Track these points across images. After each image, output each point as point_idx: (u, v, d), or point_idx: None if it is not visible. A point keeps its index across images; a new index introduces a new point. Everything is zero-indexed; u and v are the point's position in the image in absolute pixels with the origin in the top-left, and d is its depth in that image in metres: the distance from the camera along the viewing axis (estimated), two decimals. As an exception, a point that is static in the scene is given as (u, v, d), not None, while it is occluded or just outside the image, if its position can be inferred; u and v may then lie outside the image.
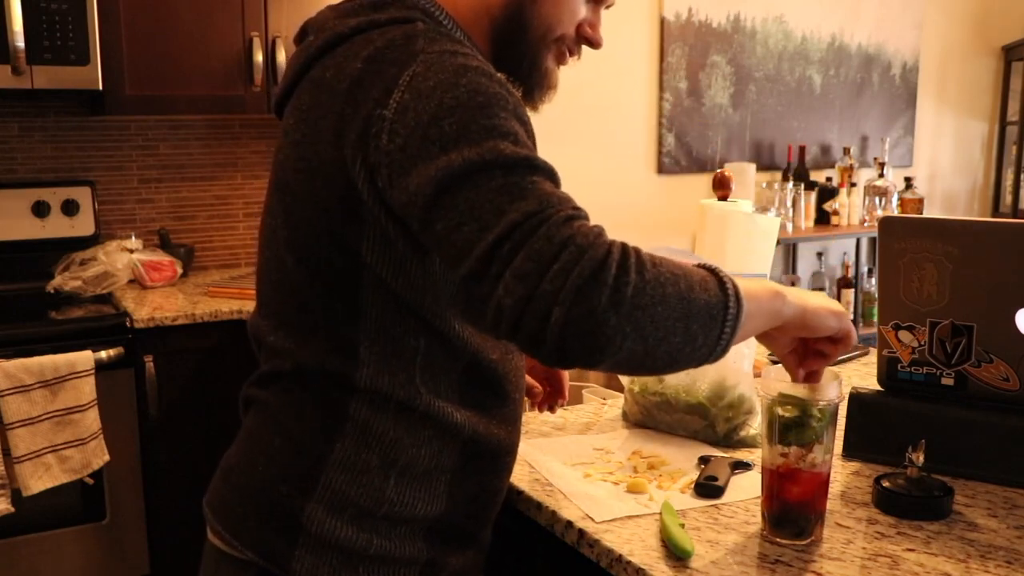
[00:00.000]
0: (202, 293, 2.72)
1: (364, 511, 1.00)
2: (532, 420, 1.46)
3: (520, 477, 1.23)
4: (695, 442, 1.36)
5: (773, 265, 1.27)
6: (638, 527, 1.09)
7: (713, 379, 1.36)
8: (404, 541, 1.02)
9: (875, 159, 4.11)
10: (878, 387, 1.30)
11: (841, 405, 1.05)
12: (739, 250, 1.29)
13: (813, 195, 3.95)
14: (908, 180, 4.15)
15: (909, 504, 1.11)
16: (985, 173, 4.77)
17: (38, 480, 2.20)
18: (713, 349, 0.88)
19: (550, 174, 0.89)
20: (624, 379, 1.46)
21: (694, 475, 1.24)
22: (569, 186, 0.92)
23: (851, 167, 4.04)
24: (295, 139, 1.00)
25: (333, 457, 1.00)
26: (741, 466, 1.25)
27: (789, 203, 3.80)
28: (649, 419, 1.42)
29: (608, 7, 1.12)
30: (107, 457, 2.32)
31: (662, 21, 3.68)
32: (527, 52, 1.06)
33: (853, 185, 4.01)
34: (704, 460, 1.28)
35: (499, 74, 0.96)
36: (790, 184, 3.85)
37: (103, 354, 2.33)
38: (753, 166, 3.83)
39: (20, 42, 2.36)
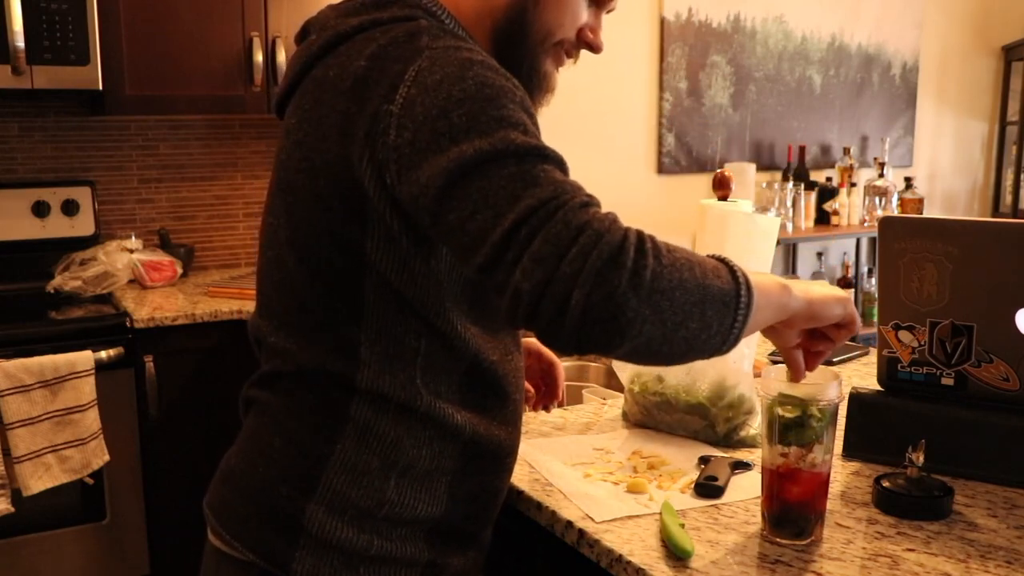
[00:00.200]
0: (202, 293, 2.72)
1: (365, 512, 1.00)
2: (532, 420, 1.46)
3: (520, 477, 1.23)
4: (695, 442, 1.36)
5: (773, 265, 1.27)
6: (638, 527, 1.09)
7: (713, 379, 1.36)
8: (405, 542, 1.02)
9: (875, 159, 4.11)
10: (878, 387, 1.30)
11: (841, 405, 1.05)
12: (739, 250, 1.29)
13: (813, 195, 3.95)
14: (908, 180, 4.15)
15: (909, 504, 1.11)
16: (985, 173, 4.78)
17: (38, 480, 2.20)
18: (726, 337, 0.88)
19: (560, 163, 0.90)
20: (624, 379, 1.46)
21: (694, 475, 1.23)
22: (569, 186, 0.92)
23: (851, 167, 4.04)
24: (297, 138, 1.00)
25: (334, 458, 1.00)
26: (741, 466, 1.25)
27: (789, 203, 3.80)
28: (649, 419, 1.42)
29: (609, 12, 1.12)
30: (107, 457, 2.32)
31: (662, 21, 3.68)
32: (527, 55, 1.06)
33: (853, 185, 4.01)
34: (704, 460, 1.28)
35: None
36: (790, 184, 3.85)
37: (103, 354, 2.33)
38: (753, 166, 3.83)
39: (20, 42, 2.36)
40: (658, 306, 0.82)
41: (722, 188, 1.37)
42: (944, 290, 1.22)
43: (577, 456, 1.32)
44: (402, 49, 0.94)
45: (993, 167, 4.76)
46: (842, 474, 1.24)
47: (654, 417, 1.41)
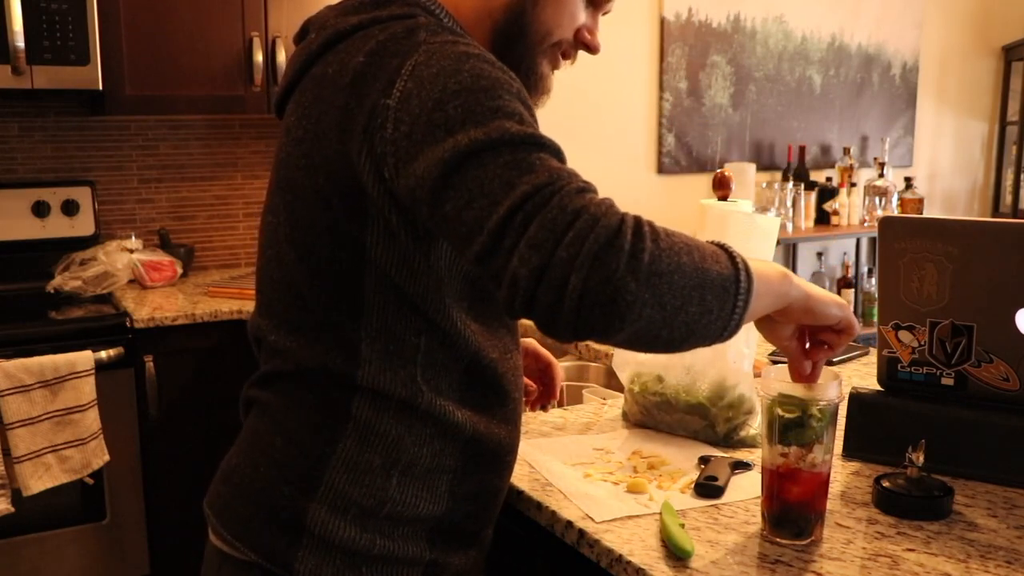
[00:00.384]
0: (202, 293, 2.72)
1: (367, 511, 1.00)
2: (532, 420, 1.46)
3: (520, 477, 1.23)
4: (695, 442, 1.36)
5: (773, 265, 1.26)
6: (638, 527, 1.09)
7: (713, 379, 1.36)
8: (407, 541, 1.02)
9: (875, 159, 4.11)
10: (878, 387, 1.30)
11: (841, 405, 1.05)
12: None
13: (813, 195, 3.95)
14: (908, 180, 4.15)
15: (909, 504, 1.11)
16: (985, 173, 4.78)
17: (38, 480, 2.20)
18: (727, 323, 0.87)
19: (557, 152, 0.90)
20: (624, 379, 1.46)
21: (694, 475, 1.23)
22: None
23: (851, 167, 4.04)
24: (297, 136, 1.00)
25: (335, 457, 1.00)
26: (741, 466, 1.25)
27: (789, 203, 3.80)
28: (649, 419, 1.42)
29: (605, 13, 1.12)
30: (107, 457, 2.32)
31: (662, 21, 3.68)
32: (525, 55, 1.06)
33: (853, 185, 4.01)
34: (704, 460, 1.28)
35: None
36: (790, 184, 3.85)
37: (103, 354, 2.33)
38: (753, 166, 3.83)
39: (20, 42, 2.36)
40: (657, 289, 0.82)
41: (722, 188, 1.37)
42: (944, 290, 1.22)
43: (577, 456, 1.32)
44: (400, 44, 0.95)
45: (993, 167, 4.76)
46: (842, 474, 1.24)
47: (654, 417, 1.41)
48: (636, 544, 1.04)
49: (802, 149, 3.99)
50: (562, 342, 0.87)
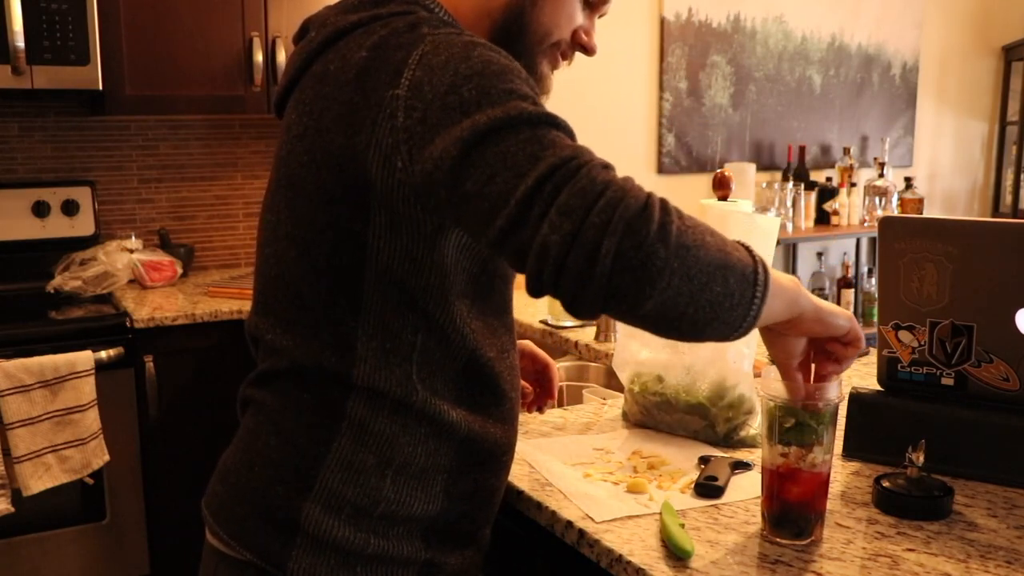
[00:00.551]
0: (202, 293, 2.72)
1: (361, 511, 1.00)
2: (532, 420, 1.46)
3: (520, 477, 1.23)
4: (695, 442, 1.36)
5: (773, 265, 1.27)
6: (638, 527, 1.09)
7: (713, 379, 1.36)
8: (402, 541, 1.02)
9: (875, 159, 4.11)
10: (878, 387, 1.30)
11: (841, 405, 1.05)
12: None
13: (813, 195, 3.95)
14: (908, 180, 4.15)
15: (909, 504, 1.11)
16: (985, 173, 4.77)
17: (38, 480, 2.20)
18: (747, 312, 0.88)
19: (571, 133, 0.91)
20: (624, 379, 1.46)
21: (694, 475, 1.23)
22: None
23: (851, 167, 4.04)
24: (298, 133, 1.00)
25: (330, 457, 1.00)
26: (741, 466, 1.25)
27: (789, 203, 3.80)
28: (649, 419, 1.42)
29: (601, 16, 1.13)
30: (107, 457, 2.32)
31: (662, 21, 3.68)
32: (525, 55, 1.06)
33: (853, 185, 4.01)
34: (704, 460, 1.28)
35: None
36: (790, 184, 3.85)
37: (103, 354, 2.33)
38: (753, 166, 3.83)
39: (20, 42, 2.36)
40: (685, 259, 0.83)
41: (722, 188, 1.37)
42: (944, 290, 1.22)
43: (577, 456, 1.32)
44: (403, 38, 0.95)
45: (993, 167, 4.76)
46: (842, 474, 1.24)
47: (654, 417, 1.41)
48: (636, 544, 1.04)
49: (802, 149, 3.99)
50: (586, 317, 0.86)
